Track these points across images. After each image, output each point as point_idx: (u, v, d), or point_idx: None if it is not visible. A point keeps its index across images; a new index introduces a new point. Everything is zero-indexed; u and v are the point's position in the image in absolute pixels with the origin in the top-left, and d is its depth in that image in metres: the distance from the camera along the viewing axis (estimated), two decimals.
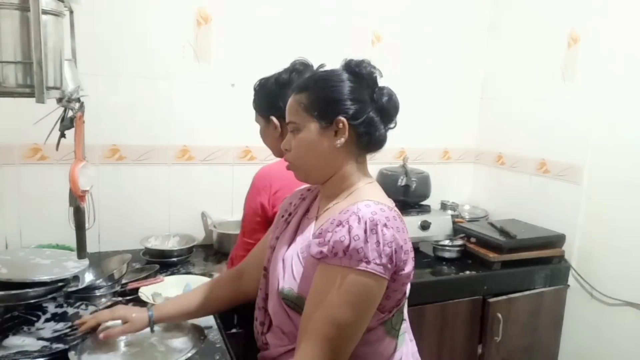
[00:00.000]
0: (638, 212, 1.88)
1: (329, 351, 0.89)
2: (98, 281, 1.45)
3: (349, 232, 0.89)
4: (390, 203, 1.01)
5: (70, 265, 1.43)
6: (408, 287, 1.03)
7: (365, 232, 0.89)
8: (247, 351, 1.22)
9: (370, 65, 1.03)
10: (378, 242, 0.88)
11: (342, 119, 0.98)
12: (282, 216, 1.17)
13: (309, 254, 0.97)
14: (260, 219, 1.42)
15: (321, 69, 1.06)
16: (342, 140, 0.99)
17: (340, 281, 0.89)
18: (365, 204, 0.93)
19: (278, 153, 1.52)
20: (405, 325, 1.08)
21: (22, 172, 1.83)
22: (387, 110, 1.02)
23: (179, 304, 1.23)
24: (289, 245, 1.06)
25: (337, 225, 0.92)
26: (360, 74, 1.01)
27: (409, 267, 0.95)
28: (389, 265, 0.90)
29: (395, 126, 1.05)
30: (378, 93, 1.02)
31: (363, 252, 0.88)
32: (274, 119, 1.44)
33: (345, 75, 1.01)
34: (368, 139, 1.01)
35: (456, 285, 1.94)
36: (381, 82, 1.05)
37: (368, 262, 0.88)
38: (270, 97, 1.44)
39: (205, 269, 1.84)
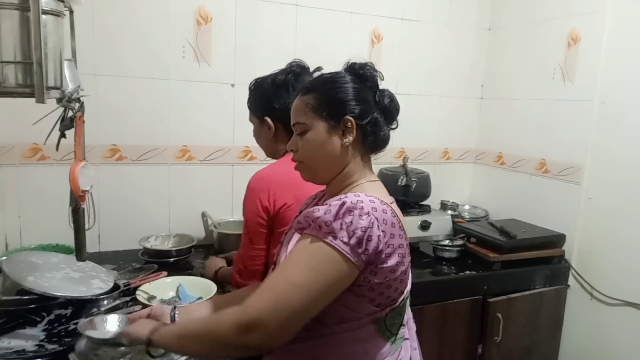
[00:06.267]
0: (638, 212, 1.88)
1: (274, 304, 0.88)
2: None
3: (326, 209, 0.92)
4: (389, 200, 1.01)
5: (95, 285, 1.36)
6: (407, 288, 1.02)
7: (339, 211, 0.91)
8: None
9: (372, 68, 1.06)
10: (351, 223, 0.89)
11: (350, 118, 1.01)
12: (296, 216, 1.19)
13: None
14: (263, 220, 1.38)
15: (325, 72, 1.08)
16: (350, 138, 1.01)
17: (305, 246, 0.92)
18: (356, 194, 0.95)
19: (270, 153, 1.52)
20: (406, 331, 1.08)
21: (22, 172, 1.83)
22: (390, 111, 1.06)
23: (198, 311, 1.20)
24: (292, 240, 1.07)
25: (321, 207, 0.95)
26: (364, 76, 1.05)
27: (392, 261, 0.94)
28: (358, 249, 0.89)
29: (396, 127, 1.09)
30: (380, 95, 1.05)
31: (331, 226, 0.90)
32: (268, 119, 1.44)
33: (349, 77, 1.04)
34: (374, 138, 1.04)
35: (456, 285, 1.94)
36: (381, 84, 1.08)
37: (335, 237, 0.89)
38: (265, 98, 1.44)
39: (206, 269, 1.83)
